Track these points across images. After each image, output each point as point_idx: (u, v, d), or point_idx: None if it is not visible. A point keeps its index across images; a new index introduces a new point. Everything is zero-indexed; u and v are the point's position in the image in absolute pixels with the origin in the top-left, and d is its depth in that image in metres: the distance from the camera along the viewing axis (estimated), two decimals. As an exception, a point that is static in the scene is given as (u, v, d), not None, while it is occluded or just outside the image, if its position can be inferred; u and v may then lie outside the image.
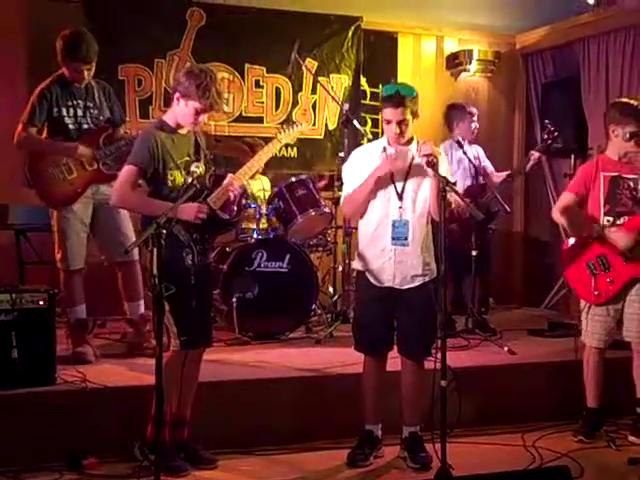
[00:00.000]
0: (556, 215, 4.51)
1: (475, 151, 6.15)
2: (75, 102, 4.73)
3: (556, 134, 5.69)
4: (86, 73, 4.71)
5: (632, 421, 4.46)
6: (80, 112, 4.74)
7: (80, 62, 4.64)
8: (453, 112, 6.24)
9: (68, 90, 4.72)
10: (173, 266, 3.64)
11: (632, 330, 4.38)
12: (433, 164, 3.79)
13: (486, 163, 6.21)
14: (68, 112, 4.71)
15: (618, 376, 4.51)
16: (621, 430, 4.50)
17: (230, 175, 3.97)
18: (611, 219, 4.39)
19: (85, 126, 4.75)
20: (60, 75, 4.73)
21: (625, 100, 4.62)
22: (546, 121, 5.90)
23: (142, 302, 4.95)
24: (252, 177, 5.84)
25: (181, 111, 3.84)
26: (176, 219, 3.65)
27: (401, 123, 3.93)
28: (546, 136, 5.74)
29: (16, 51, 6.16)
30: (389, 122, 3.95)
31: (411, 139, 4.04)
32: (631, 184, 4.39)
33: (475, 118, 6.17)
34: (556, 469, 3.17)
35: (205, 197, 3.86)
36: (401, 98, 3.91)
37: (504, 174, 6.06)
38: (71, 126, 4.72)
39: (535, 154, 5.87)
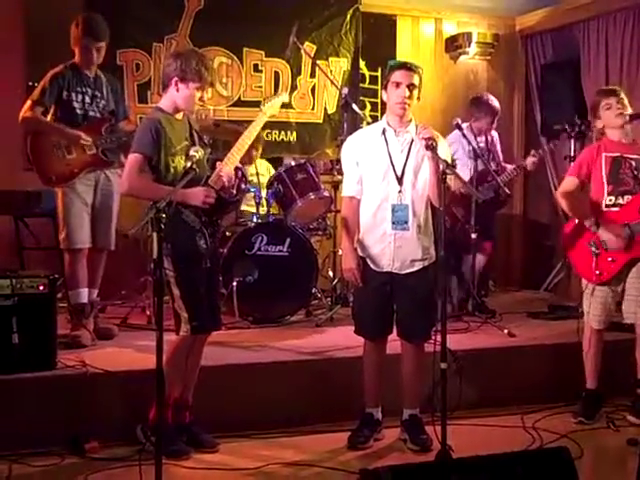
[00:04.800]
0: (559, 198, 4.55)
1: (490, 137, 6.13)
2: (84, 89, 4.83)
3: (583, 128, 5.62)
4: (95, 54, 4.82)
5: (631, 402, 4.49)
6: (88, 99, 4.84)
7: (90, 38, 4.76)
8: (476, 105, 6.14)
9: (79, 77, 4.83)
10: (188, 252, 3.73)
11: (633, 312, 4.40)
12: (432, 147, 3.78)
13: (498, 151, 6.22)
14: (77, 97, 4.80)
15: (617, 358, 4.55)
16: (621, 411, 4.52)
17: (219, 163, 3.99)
18: (613, 198, 4.43)
19: (91, 113, 4.85)
20: (73, 63, 4.84)
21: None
22: (576, 116, 5.81)
23: (97, 291, 5.03)
24: (249, 161, 5.88)
25: (182, 95, 3.84)
26: (184, 204, 3.71)
27: (411, 87, 3.93)
28: (569, 129, 5.68)
29: (14, 38, 6.14)
30: (399, 85, 3.93)
31: (410, 121, 4.04)
32: (633, 163, 4.43)
33: (498, 117, 6.12)
34: (556, 450, 3.17)
35: (206, 180, 3.87)
36: (413, 66, 3.99)
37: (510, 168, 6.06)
38: (78, 111, 4.81)
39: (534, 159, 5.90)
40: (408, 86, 3.93)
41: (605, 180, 4.44)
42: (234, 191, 4.00)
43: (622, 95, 4.46)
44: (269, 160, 6.54)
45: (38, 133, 4.79)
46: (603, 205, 4.44)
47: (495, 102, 6.13)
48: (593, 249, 4.39)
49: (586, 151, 4.65)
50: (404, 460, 3.85)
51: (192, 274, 3.79)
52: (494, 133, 6.25)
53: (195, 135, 4.01)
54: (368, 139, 4.09)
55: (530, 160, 5.94)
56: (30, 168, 4.89)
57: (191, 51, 3.90)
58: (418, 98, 4.01)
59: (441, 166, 3.71)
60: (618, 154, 4.44)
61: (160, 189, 3.76)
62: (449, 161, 3.84)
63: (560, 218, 6.86)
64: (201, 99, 3.87)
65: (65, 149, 4.77)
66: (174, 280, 3.79)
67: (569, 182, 4.57)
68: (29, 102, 4.78)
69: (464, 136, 5.65)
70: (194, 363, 3.98)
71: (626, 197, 4.41)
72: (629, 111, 4.46)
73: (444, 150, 3.95)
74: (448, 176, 3.70)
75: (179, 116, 3.92)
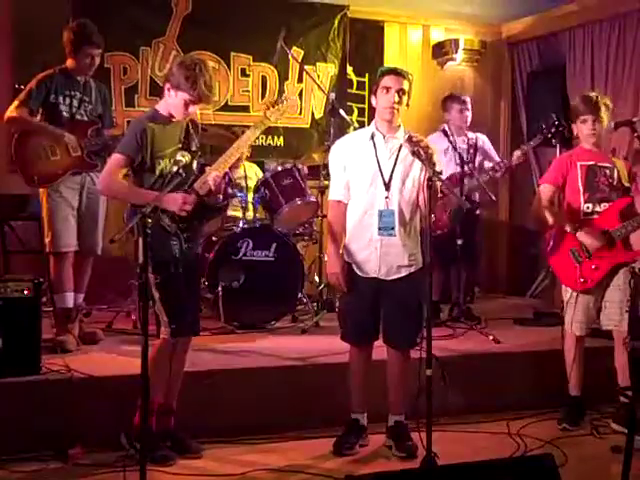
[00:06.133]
0: (541, 209, 4.58)
1: (474, 140, 6.15)
2: (73, 93, 4.84)
3: (561, 128, 5.61)
4: (97, 59, 4.86)
5: (615, 409, 4.50)
6: (76, 103, 4.85)
7: (94, 46, 4.80)
8: (444, 102, 6.26)
9: (68, 81, 4.84)
10: (161, 256, 3.67)
11: (613, 319, 4.45)
12: (418, 154, 3.80)
13: (489, 153, 6.25)
14: (64, 101, 4.81)
15: (601, 364, 4.56)
16: (605, 418, 4.54)
17: (207, 168, 3.97)
18: (591, 205, 4.49)
19: (78, 117, 4.86)
20: (62, 68, 4.85)
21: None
22: (553, 114, 5.80)
23: (83, 295, 5.03)
24: (236, 165, 5.86)
25: (172, 102, 3.84)
26: (161, 209, 3.66)
27: (400, 92, 3.94)
28: (546, 130, 5.67)
29: (2, 41, 6.12)
30: (388, 90, 3.95)
31: (399, 126, 4.05)
32: (607, 172, 4.51)
33: (467, 106, 6.16)
34: (540, 457, 3.18)
35: (191, 184, 3.85)
36: (403, 72, 4.01)
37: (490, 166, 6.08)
38: (65, 114, 4.81)
39: (518, 152, 5.90)
40: (398, 91, 3.94)
41: (581, 188, 4.50)
42: (220, 197, 3.98)
43: (603, 111, 4.45)
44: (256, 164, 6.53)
45: (23, 134, 4.78)
46: (581, 213, 4.50)
47: (459, 94, 6.23)
48: (575, 256, 4.44)
49: (559, 160, 4.73)
50: (389, 467, 3.85)
51: (170, 278, 3.76)
52: (480, 135, 6.27)
53: (191, 140, 3.97)
54: (356, 144, 4.09)
55: (516, 155, 5.96)
56: (15, 170, 4.87)
57: (192, 63, 3.78)
58: (407, 104, 4.02)
59: (428, 172, 3.73)
60: (592, 163, 4.51)
61: (137, 192, 3.78)
62: (437, 169, 3.85)
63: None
64: (186, 110, 3.84)
65: (49, 150, 4.76)
66: (154, 283, 3.78)
67: (546, 190, 4.62)
68: (15, 102, 4.79)
69: (450, 142, 5.69)
70: (178, 368, 3.96)
71: (603, 204, 4.47)
72: (606, 125, 4.50)
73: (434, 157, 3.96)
74: (434, 182, 3.72)
75: (175, 119, 3.90)
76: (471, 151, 6.05)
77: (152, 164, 3.81)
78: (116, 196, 4.14)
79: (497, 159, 6.22)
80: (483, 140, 6.30)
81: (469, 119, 6.20)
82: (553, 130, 5.61)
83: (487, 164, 6.17)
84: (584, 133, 4.52)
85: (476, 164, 6.11)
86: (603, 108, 4.45)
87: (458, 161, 5.86)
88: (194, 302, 4.06)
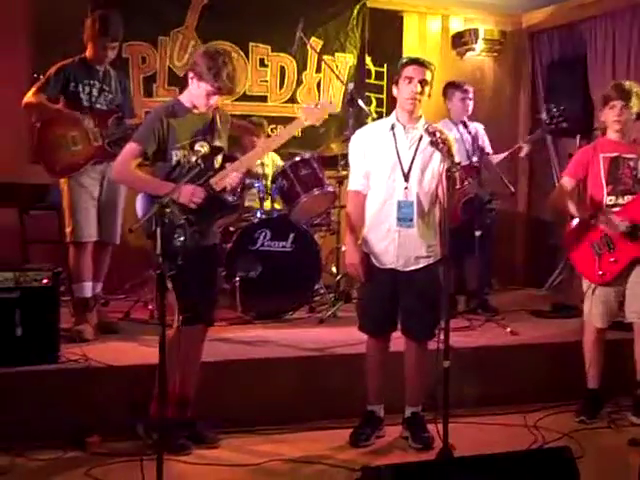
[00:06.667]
0: (559, 201, 4.54)
1: (474, 129, 6.10)
2: (92, 82, 4.85)
3: (560, 119, 5.59)
4: (110, 52, 4.86)
5: (633, 402, 4.48)
6: (95, 92, 4.86)
7: (108, 38, 4.80)
8: (445, 90, 6.19)
9: (88, 70, 4.85)
10: (167, 247, 3.63)
11: (634, 311, 4.40)
12: (437, 144, 3.78)
13: (484, 143, 6.18)
14: (84, 89, 4.82)
15: (620, 357, 4.54)
16: (622, 411, 4.52)
17: (228, 164, 3.94)
18: (614, 198, 4.43)
19: (98, 106, 4.87)
20: (82, 57, 4.87)
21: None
22: (551, 105, 5.79)
23: (101, 285, 5.06)
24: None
25: (195, 92, 3.83)
26: (174, 199, 3.63)
27: (423, 83, 3.93)
28: (548, 120, 5.65)
29: (21, 31, 6.14)
30: (411, 80, 3.93)
31: (419, 117, 4.03)
32: (631, 164, 4.44)
33: (469, 95, 6.09)
34: (558, 450, 3.18)
35: (208, 179, 3.83)
36: (426, 62, 4.00)
37: (502, 155, 6.03)
38: (85, 103, 4.82)
39: (525, 146, 5.87)
40: (420, 82, 3.92)
41: (604, 180, 4.44)
42: (236, 196, 3.94)
43: (633, 99, 4.39)
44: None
45: (45, 124, 4.79)
46: (604, 206, 4.44)
47: (462, 82, 6.17)
48: (596, 250, 4.41)
49: (582, 152, 4.69)
50: (406, 458, 3.85)
51: (177, 269, 3.68)
52: (478, 125, 6.21)
53: (216, 133, 3.92)
54: (376, 134, 4.08)
55: (525, 150, 5.93)
56: (36, 160, 4.89)
57: (216, 53, 3.77)
58: (429, 95, 4.01)
59: (446, 164, 3.72)
60: (616, 154, 4.45)
61: (152, 182, 3.78)
62: (455, 160, 3.84)
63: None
64: (208, 101, 3.81)
65: (71, 140, 4.77)
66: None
67: (566, 182, 4.58)
68: (33, 89, 4.80)
69: (470, 133, 5.65)
70: (192, 358, 3.97)
71: (626, 197, 4.42)
72: (634, 115, 4.45)
73: (453, 148, 3.93)
74: (453, 174, 3.71)
75: (198, 110, 3.87)
76: (474, 143, 6.00)
77: (168, 155, 3.80)
78: (131, 184, 4.14)
79: (490, 149, 6.17)
80: (482, 129, 6.24)
81: (470, 108, 6.13)
82: (554, 122, 5.58)
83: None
84: (610, 119, 4.44)
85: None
86: (634, 97, 4.38)
87: (471, 152, 5.82)
88: (208, 293, 4.01)
